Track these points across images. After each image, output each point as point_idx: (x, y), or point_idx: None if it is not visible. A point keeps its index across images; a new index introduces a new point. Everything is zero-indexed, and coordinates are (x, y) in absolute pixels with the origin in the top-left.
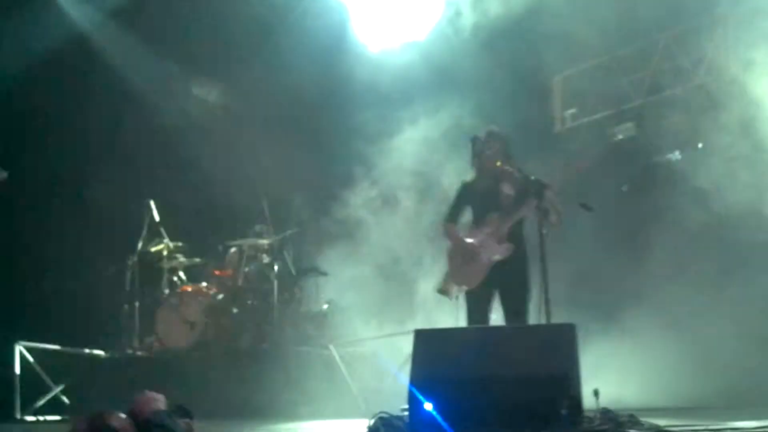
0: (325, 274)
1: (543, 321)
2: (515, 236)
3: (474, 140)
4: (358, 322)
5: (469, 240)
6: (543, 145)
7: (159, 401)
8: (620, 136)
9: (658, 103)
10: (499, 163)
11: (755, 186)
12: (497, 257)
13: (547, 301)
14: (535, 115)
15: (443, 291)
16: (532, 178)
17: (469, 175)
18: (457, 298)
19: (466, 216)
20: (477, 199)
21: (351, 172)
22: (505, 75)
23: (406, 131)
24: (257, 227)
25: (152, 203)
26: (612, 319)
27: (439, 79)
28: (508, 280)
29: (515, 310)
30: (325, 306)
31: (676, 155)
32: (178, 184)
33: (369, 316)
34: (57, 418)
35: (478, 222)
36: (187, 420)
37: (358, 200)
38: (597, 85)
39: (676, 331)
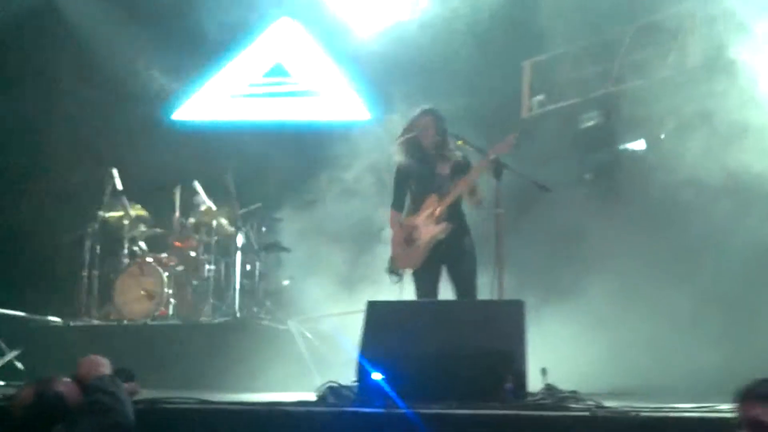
0: (287, 250)
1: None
2: (453, 214)
3: (413, 120)
4: (319, 299)
5: (407, 224)
6: (509, 130)
7: (103, 365)
8: (587, 124)
9: (623, 93)
10: (431, 142)
11: (713, 179)
12: (435, 237)
13: (500, 279)
14: (503, 100)
15: (392, 271)
16: (460, 156)
17: (401, 157)
18: (401, 278)
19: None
20: (414, 181)
21: (320, 149)
22: (476, 59)
23: (376, 113)
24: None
25: (115, 171)
26: (564, 300)
27: (411, 62)
28: (452, 257)
29: (464, 286)
30: (286, 282)
31: (641, 145)
32: (142, 152)
33: (330, 293)
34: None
35: (417, 204)
36: (132, 383)
37: (326, 178)
38: (565, 72)
39: (623, 316)
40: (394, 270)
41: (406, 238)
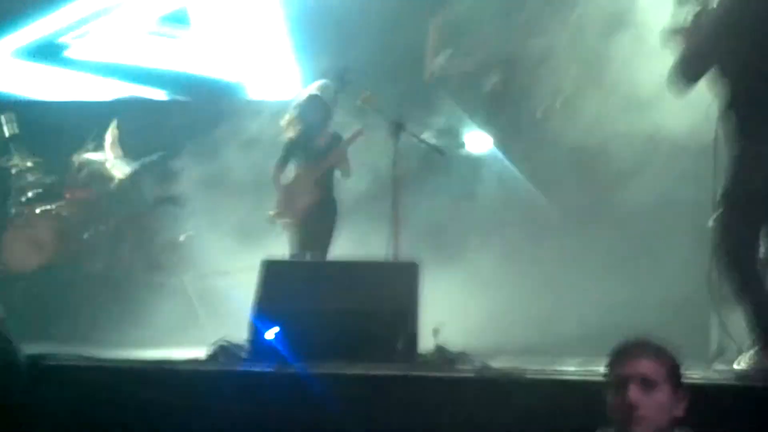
0: (182, 205)
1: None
2: (322, 184)
3: (301, 99)
4: (216, 255)
5: (286, 185)
6: (413, 89)
7: None
8: (488, 85)
9: (527, 55)
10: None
11: (610, 140)
12: (305, 201)
13: (396, 240)
14: (407, 60)
15: (272, 220)
16: (334, 132)
17: (293, 129)
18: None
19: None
20: (297, 151)
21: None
22: (377, 18)
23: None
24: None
25: (2, 117)
26: (459, 260)
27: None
28: (315, 221)
29: (321, 240)
30: (183, 237)
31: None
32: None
33: (228, 249)
34: None
35: (297, 170)
36: None
37: (228, 127)
38: (470, 32)
39: (515, 277)
40: (272, 220)
41: (285, 197)
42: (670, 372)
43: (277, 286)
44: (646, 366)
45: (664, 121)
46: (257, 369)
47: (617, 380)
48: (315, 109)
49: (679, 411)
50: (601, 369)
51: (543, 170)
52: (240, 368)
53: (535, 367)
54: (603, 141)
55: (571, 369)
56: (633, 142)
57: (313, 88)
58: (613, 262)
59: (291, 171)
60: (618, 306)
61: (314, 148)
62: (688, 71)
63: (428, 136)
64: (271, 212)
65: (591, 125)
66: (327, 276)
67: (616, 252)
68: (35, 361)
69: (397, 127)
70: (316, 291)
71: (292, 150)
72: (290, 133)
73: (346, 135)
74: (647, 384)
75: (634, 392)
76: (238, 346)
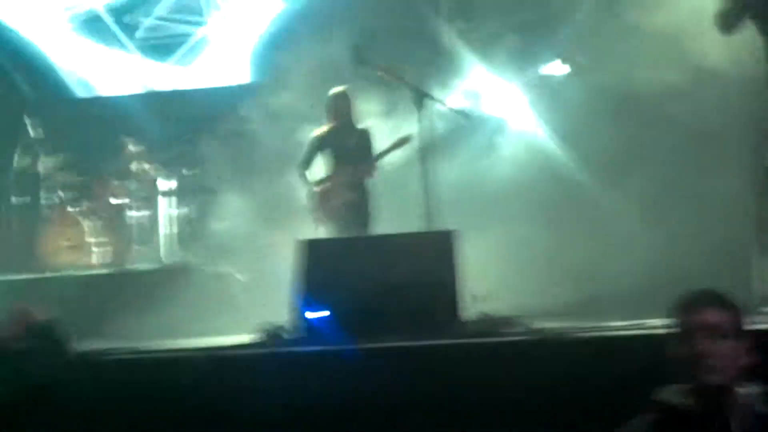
0: (213, 191)
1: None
2: (357, 185)
3: (330, 98)
4: (251, 239)
5: (324, 187)
6: (430, 55)
7: (34, 314)
8: (507, 48)
9: (544, 16)
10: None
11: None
12: (345, 201)
13: (429, 209)
14: (422, 25)
15: (316, 221)
16: (362, 129)
17: (322, 128)
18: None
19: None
20: (326, 149)
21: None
22: None
23: (294, 47)
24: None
25: (27, 119)
26: (493, 225)
27: None
28: (354, 218)
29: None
30: (216, 224)
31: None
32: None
33: (261, 231)
34: None
35: (330, 170)
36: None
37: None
38: None
39: (554, 235)
40: (318, 226)
41: (321, 199)
42: (736, 320)
43: (318, 264)
44: (714, 315)
45: (703, 52)
46: (303, 349)
47: (685, 331)
48: (341, 107)
49: (746, 359)
50: (649, 322)
51: (572, 121)
52: (286, 349)
53: (580, 325)
54: (635, 81)
55: (618, 324)
56: (668, 78)
57: (337, 87)
58: (650, 210)
59: (319, 168)
60: (658, 256)
61: (345, 146)
62: (724, 23)
63: (453, 100)
64: (313, 220)
65: (620, 67)
66: (365, 252)
67: (652, 199)
68: (86, 358)
69: (420, 95)
70: (356, 267)
71: (319, 147)
72: (318, 131)
73: (376, 138)
74: (716, 333)
75: (704, 342)
76: (282, 328)
